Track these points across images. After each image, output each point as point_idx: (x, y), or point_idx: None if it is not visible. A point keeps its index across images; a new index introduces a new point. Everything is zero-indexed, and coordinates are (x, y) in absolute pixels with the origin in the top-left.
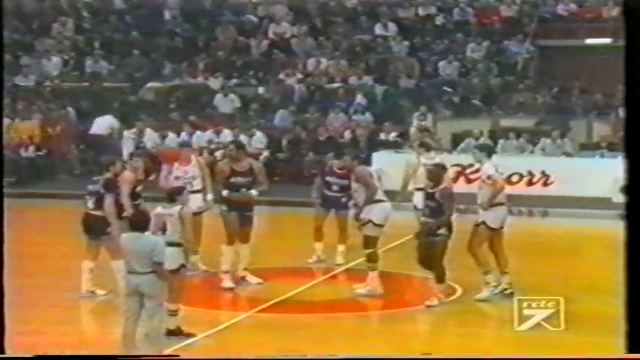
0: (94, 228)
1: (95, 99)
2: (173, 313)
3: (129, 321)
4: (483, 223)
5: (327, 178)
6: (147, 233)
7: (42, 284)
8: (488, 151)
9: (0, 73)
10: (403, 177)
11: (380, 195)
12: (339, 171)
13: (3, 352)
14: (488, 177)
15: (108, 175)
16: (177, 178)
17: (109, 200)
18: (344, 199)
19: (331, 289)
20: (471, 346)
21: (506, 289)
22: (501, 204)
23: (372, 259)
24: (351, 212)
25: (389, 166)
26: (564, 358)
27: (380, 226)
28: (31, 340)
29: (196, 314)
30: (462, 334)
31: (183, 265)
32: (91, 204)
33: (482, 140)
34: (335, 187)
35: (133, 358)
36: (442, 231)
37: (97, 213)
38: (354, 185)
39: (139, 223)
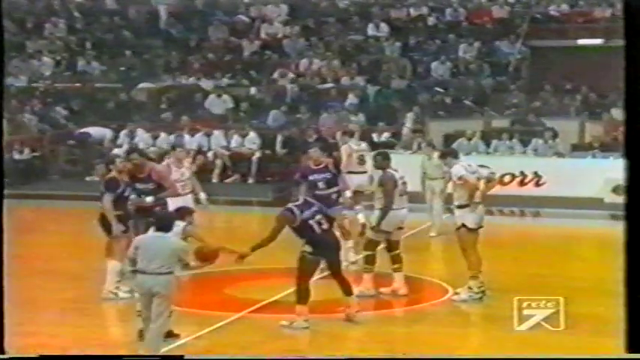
0: (108, 227)
1: (87, 99)
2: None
3: (146, 321)
4: (463, 225)
5: (310, 178)
6: (169, 234)
7: (35, 285)
8: (454, 155)
9: (0, 74)
10: None
11: (396, 203)
12: (317, 167)
13: (2, 353)
14: (459, 178)
15: (112, 174)
16: (174, 180)
17: (106, 198)
18: (334, 196)
19: (325, 290)
20: (468, 347)
21: (477, 293)
22: (478, 203)
23: (368, 261)
24: (360, 215)
25: None
26: (564, 358)
27: (384, 232)
28: (24, 341)
29: (193, 316)
30: (459, 334)
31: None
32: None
33: (473, 141)
34: (321, 185)
35: (136, 357)
36: (304, 248)
37: None
38: (375, 188)
39: (164, 223)
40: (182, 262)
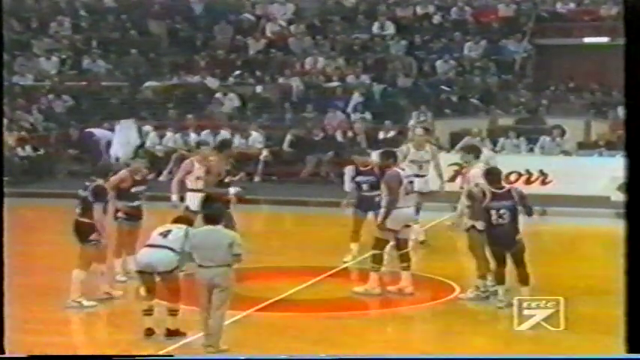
0: (79, 234)
1: (93, 98)
2: (173, 313)
3: (205, 312)
4: (473, 227)
5: (356, 179)
6: (219, 227)
7: (37, 284)
8: (476, 153)
9: (0, 72)
10: None
11: (403, 201)
12: (363, 168)
13: (2, 352)
14: (476, 185)
15: (98, 182)
16: (198, 178)
17: (97, 209)
18: (377, 199)
19: (332, 288)
20: (470, 346)
21: (484, 292)
22: None
23: (376, 260)
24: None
25: None
26: (564, 358)
27: (393, 231)
28: (28, 339)
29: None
30: (460, 333)
31: (176, 268)
32: (78, 210)
33: (477, 140)
34: (365, 187)
35: (128, 357)
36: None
37: (83, 220)
38: (382, 186)
39: (214, 216)
40: (233, 253)
